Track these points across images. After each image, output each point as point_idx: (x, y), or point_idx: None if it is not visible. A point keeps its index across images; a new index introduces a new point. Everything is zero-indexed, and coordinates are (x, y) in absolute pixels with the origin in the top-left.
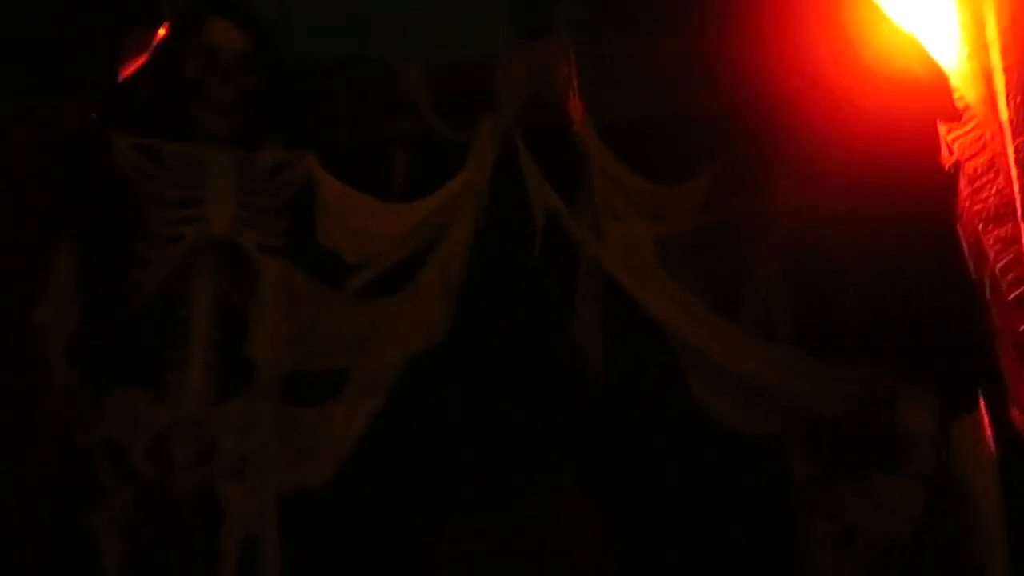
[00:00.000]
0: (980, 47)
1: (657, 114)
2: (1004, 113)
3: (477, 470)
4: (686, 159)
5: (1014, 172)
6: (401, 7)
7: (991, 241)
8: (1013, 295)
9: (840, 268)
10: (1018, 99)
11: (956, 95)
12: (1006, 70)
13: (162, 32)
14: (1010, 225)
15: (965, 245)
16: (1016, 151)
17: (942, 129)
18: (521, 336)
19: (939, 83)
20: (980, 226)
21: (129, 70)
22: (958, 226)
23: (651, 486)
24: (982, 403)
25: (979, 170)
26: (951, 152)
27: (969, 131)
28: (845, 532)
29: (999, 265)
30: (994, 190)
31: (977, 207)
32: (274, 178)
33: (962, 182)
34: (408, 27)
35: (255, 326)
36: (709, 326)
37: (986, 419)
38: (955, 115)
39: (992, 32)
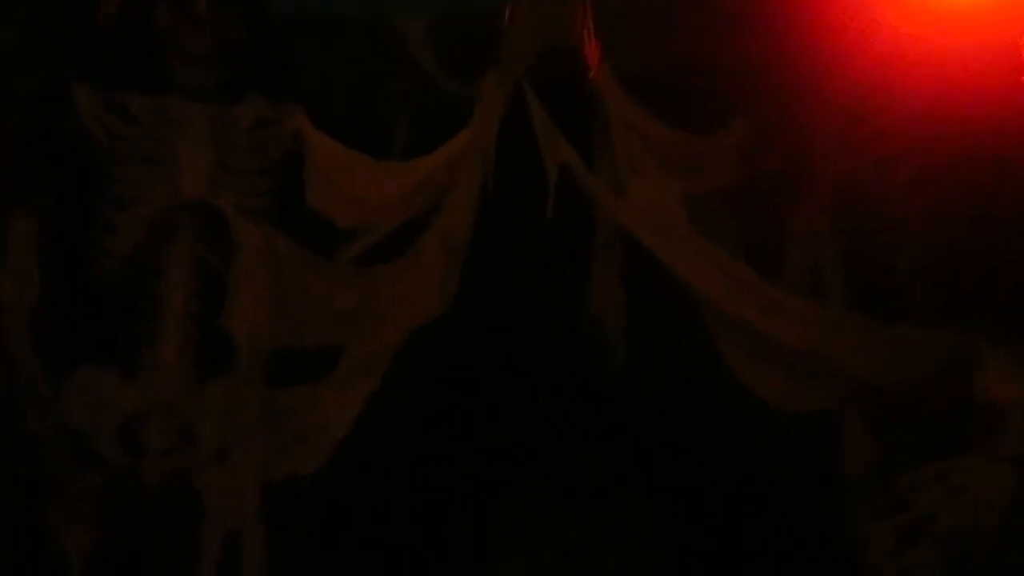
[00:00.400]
0: None
1: (683, 63)
2: None
3: (478, 453)
4: (716, 111)
5: None
6: None
7: None
8: None
9: (902, 215)
10: None
11: None
12: None
13: None
14: None
15: None
16: None
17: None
18: (532, 308)
19: None
20: None
21: (98, 20)
22: None
23: (682, 475)
24: None
25: None
26: None
27: None
28: (913, 525)
29: None
30: None
31: None
32: (256, 135)
33: None
34: None
35: (234, 298)
36: (748, 288)
37: None
38: None
39: None
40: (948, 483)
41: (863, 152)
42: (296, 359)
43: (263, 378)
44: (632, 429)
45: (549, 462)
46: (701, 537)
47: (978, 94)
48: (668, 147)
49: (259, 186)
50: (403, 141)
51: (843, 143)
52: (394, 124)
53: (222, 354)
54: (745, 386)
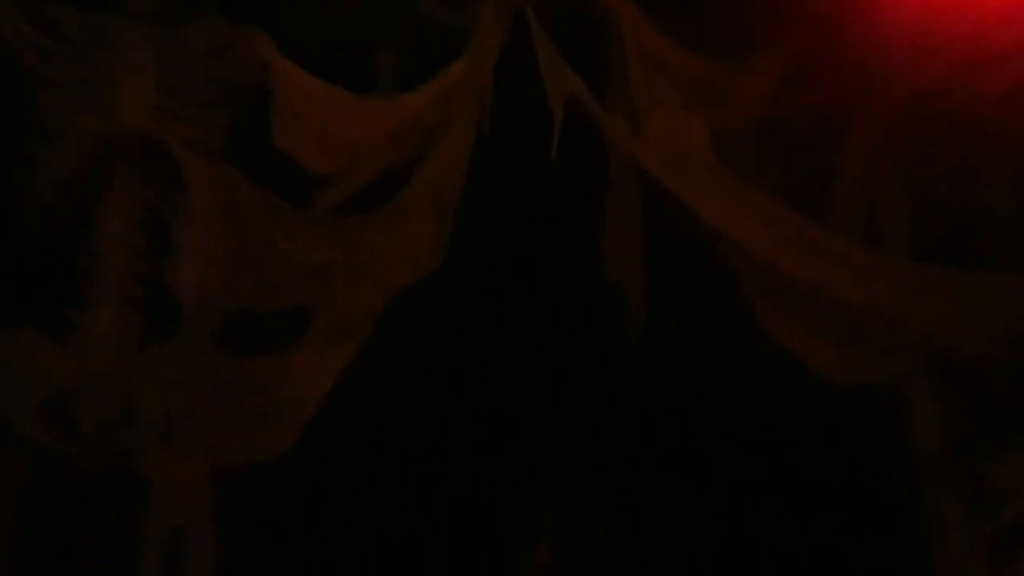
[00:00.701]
0: None
1: None
2: None
3: (475, 430)
4: (749, 34)
5: None
6: None
7: None
8: None
9: (985, 139)
10: None
11: None
12: None
13: None
14: None
15: None
16: None
17: None
18: (536, 265)
19: None
20: None
21: None
22: None
23: (710, 464)
24: None
25: None
26: None
27: None
28: (1011, 527)
29: None
30: None
31: None
32: (211, 61)
33: None
34: None
35: (184, 250)
36: (793, 235)
37: None
38: None
39: None
40: None
41: (938, 63)
42: (259, 323)
43: (219, 345)
44: (654, 402)
45: (560, 439)
46: (740, 530)
47: None
48: (695, 77)
49: (214, 119)
50: (387, 76)
51: (911, 55)
52: (377, 57)
53: (170, 317)
54: (788, 353)
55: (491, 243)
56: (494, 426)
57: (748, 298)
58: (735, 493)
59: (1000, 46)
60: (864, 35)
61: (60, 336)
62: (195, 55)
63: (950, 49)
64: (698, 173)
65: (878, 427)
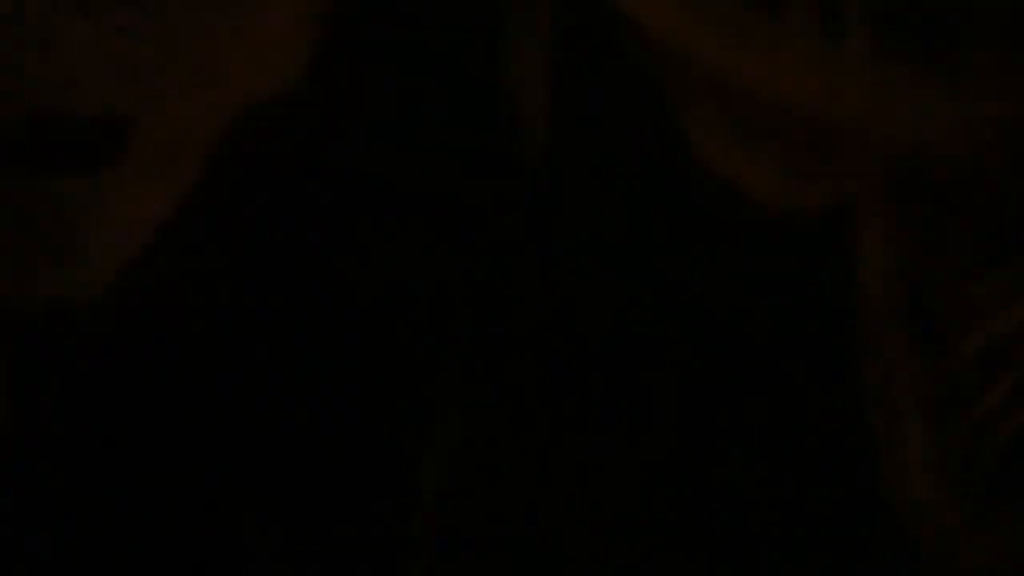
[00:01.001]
0: None
1: None
2: None
3: (339, 297)
4: None
5: None
6: None
7: None
8: None
9: None
10: None
11: None
12: None
13: None
14: None
15: None
16: None
17: None
18: (421, 78)
19: None
20: None
21: None
22: None
23: (619, 314)
24: None
25: None
26: None
27: None
28: (974, 361)
29: None
30: None
31: None
32: None
33: None
34: None
35: None
36: (732, 28)
37: None
38: None
39: None
40: None
41: None
42: (64, 135)
43: (9, 162)
44: (559, 259)
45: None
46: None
47: None
48: None
49: None
50: None
51: None
52: None
53: None
54: (720, 179)
55: (367, 48)
56: (356, 288)
57: (676, 118)
58: (663, 371)
59: None
60: None
61: None
62: None
63: None
64: None
65: (822, 265)
